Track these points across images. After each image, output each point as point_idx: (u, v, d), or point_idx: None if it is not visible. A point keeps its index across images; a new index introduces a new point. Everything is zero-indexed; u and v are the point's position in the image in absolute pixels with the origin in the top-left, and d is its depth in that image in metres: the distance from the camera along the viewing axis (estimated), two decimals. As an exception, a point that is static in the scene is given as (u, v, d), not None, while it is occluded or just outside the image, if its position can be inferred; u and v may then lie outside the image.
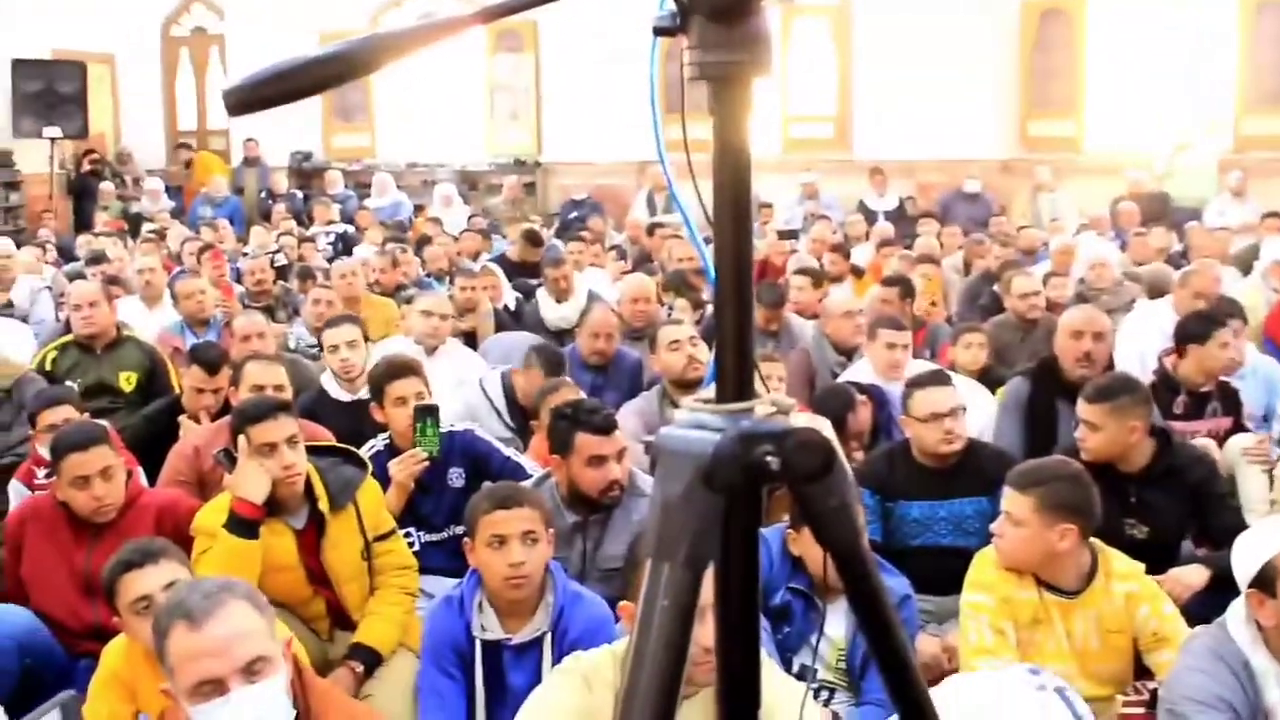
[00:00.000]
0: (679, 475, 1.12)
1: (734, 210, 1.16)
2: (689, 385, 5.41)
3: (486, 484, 4.08)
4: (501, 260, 10.32)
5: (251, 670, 2.42)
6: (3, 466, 5.32)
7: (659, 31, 1.17)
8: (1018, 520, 3.46)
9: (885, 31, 14.55)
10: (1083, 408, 4.26)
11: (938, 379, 4.65)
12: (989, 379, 5.98)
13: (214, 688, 2.40)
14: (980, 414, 5.29)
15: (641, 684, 1.11)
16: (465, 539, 3.51)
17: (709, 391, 1.19)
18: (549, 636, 3.42)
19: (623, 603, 2.82)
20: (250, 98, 1.13)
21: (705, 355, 5.58)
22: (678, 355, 5.46)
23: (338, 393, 5.63)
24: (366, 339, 5.94)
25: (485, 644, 3.44)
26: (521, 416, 5.53)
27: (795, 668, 3.52)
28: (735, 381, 1.17)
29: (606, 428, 4.07)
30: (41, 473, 4.44)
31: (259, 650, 2.44)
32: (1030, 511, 3.44)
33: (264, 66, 1.15)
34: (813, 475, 1.16)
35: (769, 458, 1.13)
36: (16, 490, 4.86)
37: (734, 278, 1.16)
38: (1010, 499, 3.51)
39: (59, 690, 3.37)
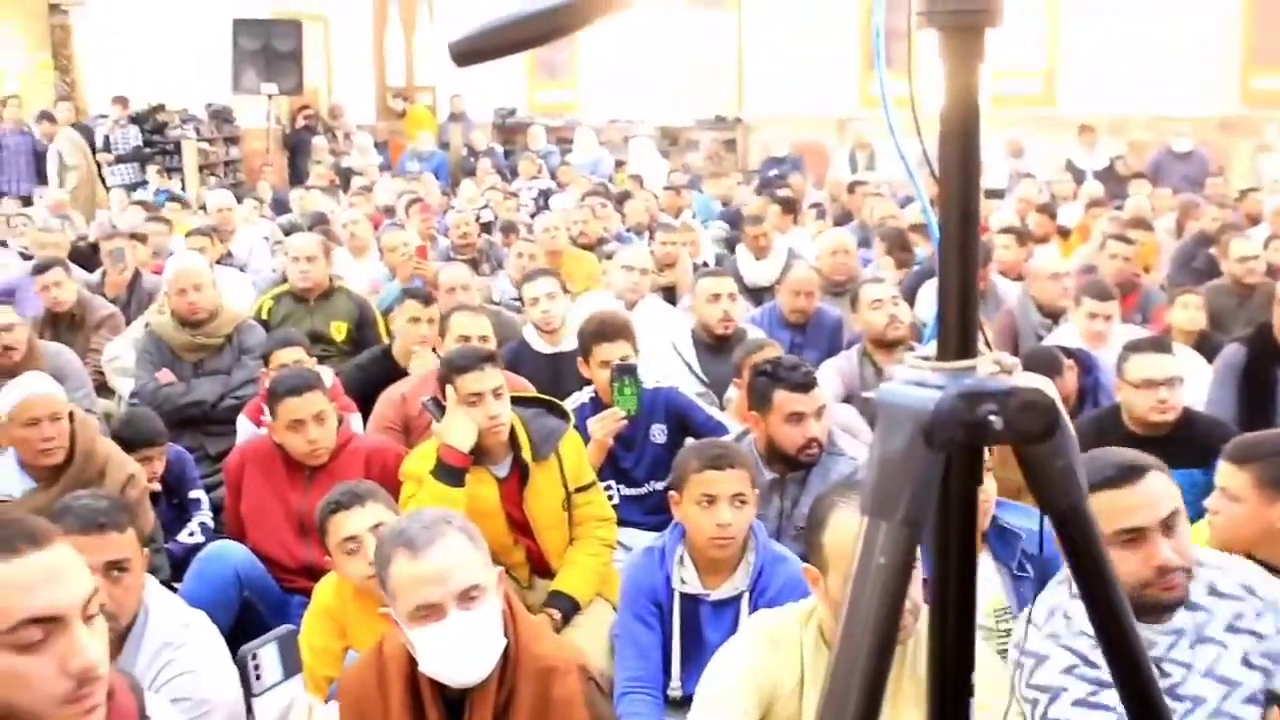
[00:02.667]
0: (899, 432, 1.11)
1: (961, 163, 1.13)
2: (890, 345, 5.34)
3: (693, 440, 4.08)
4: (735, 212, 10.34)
5: (467, 597, 2.53)
6: (225, 408, 5.55)
7: (888, -20, 1.15)
8: (1234, 496, 3.29)
9: (1098, -21, 14.07)
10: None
11: (1157, 345, 4.48)
12: (1205, 347, 5.76)
13: (432, 612, 2.51)
14: (1195, 382, 5.10)
15: (856, 641, 1.10)
16: (672, 492, 3.52)
17: (930, 348, 1.17)
18: (747, 595, 3.43)
19: (805, 565, 2.80)
20: (476, 48, 1.15)
21: (907, 314, 5.51)
22: (879, 314, 5.38)
23: (538, 344, 5.70)
24: (565, 291, 6.00)
25: (684, 597, 3.47)
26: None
27: None
28: (957, 339, 1.14)
29: (806, 384, 4.04)
30: (271, 413, 4.60)
31: (475, 579, 2.55)
32: (1248, 487, 3.27)
33: (489, 19, 1.16)
34: (1036, 436, 1.13)
35: (991, 416, 1.11)
36: (245, 427, 5.08)
37: (959, 233, 1.14)
38: (1226, 473, 3.33)
39: (275, 624, 3.52)
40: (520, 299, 7.27)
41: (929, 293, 6.83)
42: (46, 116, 13.24)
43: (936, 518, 1.14)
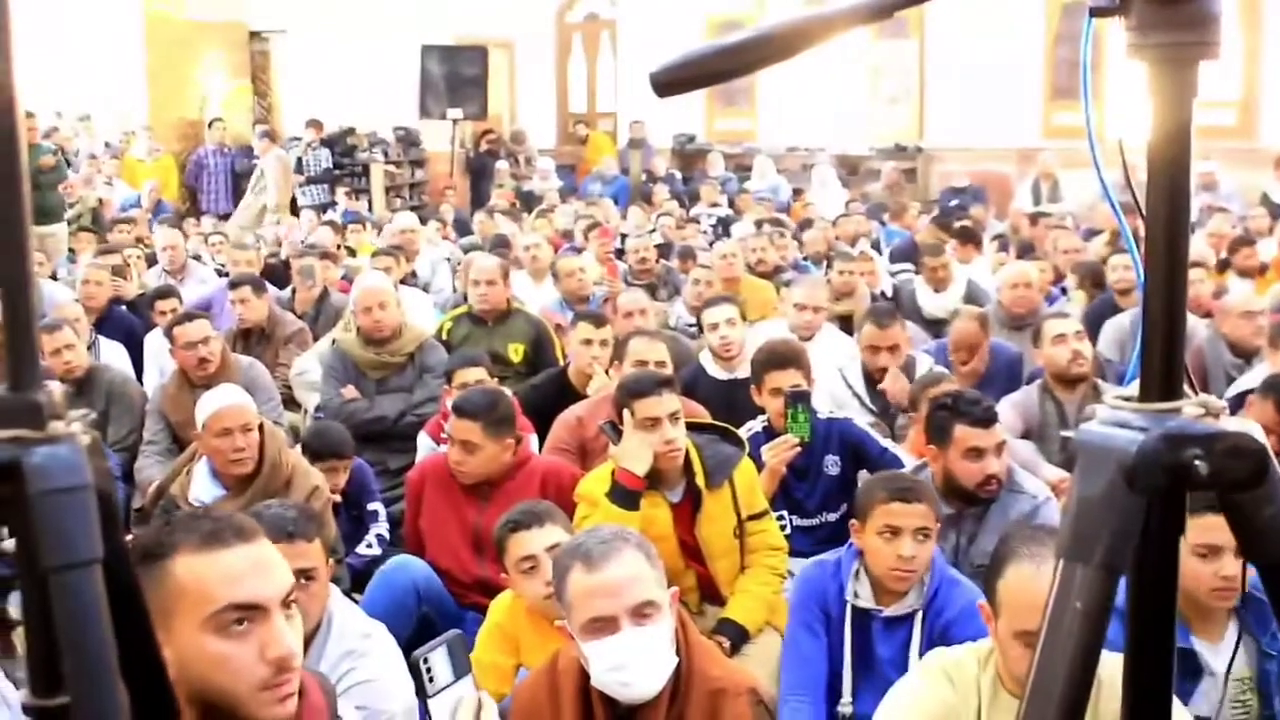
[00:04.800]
0: (1099, 474, 1.08)
1: (1169, 198, 1.10)
2: (1072, 381, 5.23)
3: (879, 472, 4.05)
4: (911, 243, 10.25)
5: (641, 613, 2.57)
6: (406, 425, 5.67)
7: (1096, 12, 1.12)
8: None
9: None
10: None
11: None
12: None
13: (605, 625, 2.56)
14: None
15: (1048, 688, 1.07)
16: (853, 521, 3.53)
17: (1131, 389, 1.14)
18: (920, 614, 3.42)
19: (980, 601, 2.76)
20: (678, 78, 1.15)
21: (1090, 350, 5.38)
22: (1062, 350, 5.26)
23: (715, 370, 5.70)
24: (744, 317, 6.01)
25: (856, 611, 3.48)
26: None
27: None
28: (1162, 379, 1.11)
29: (986, 420, 3.98)
30: (448, 427, 4.70)
31: (649, 595, 2.59)
32: None
33: (690, 50, 1.17)
34: (1244, 483, 1.08)
35: (1197, 461, 1.07)
36: (425, 444, 5.20)
37: (1166, 270, 1.10)
38: None
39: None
40: (697, 324, 7.33)
41: (1114, 328, 6.66)
42: (268, 135, 13.71)
43: (1134, 565, 1.11)
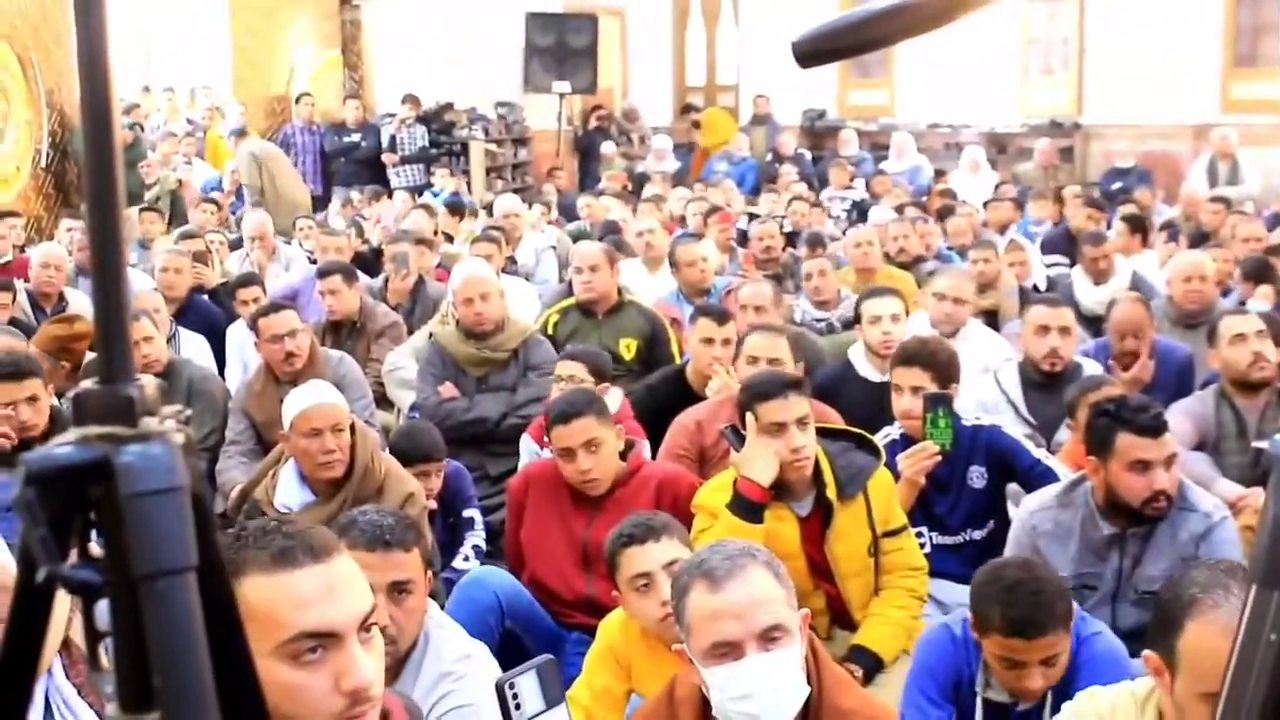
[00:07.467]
0: (1297, 490, 1.05)
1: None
2: (1253, 386, 5.12)
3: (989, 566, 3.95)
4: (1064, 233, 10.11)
5: (769, 638, 2.54)
6: (508, 427, 5.69)
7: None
8: None
9: None
10: None
11: None
12: None
13: (729, 651, 2.54)
14: None
15: (1238, 728, 1.04)
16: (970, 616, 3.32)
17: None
18: (1050, 694, 3.21)
19: (1146, 652, 2.65)
20: (823, 48, 1.15)
21: (1274, 352, 5.26)
22: (1241, 351, 5.15)
23: (867, 371, 5.67)
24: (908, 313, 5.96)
25: (987, 704, 3.33)
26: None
27: None
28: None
29: (1155, 428, 3.89)
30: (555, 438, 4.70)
31: (778, 618, 2.56)
32: None
33: (835, 17, 1.17)
34: None
35: None
36: (528, 447, 5.22)
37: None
38: None
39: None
40: (824, 320, 7.29)
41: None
42: (238, 132, 13.55)
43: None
